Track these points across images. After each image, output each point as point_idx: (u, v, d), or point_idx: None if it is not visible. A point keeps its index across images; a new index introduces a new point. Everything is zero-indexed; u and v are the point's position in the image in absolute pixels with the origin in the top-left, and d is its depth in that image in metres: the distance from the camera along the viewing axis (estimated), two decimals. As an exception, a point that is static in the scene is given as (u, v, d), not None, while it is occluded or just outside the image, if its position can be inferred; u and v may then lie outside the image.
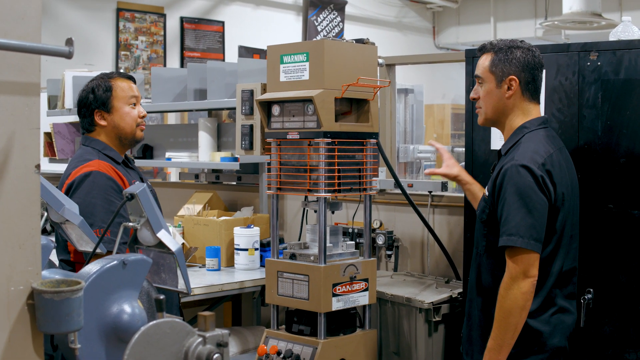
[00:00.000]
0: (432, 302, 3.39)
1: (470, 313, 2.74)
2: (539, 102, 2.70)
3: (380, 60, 3.44)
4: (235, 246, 3.94)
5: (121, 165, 2.98)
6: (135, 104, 3.02)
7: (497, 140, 3.16)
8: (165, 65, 9.04)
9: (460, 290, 3.49)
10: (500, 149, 2.71)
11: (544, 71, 2.71)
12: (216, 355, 1.55)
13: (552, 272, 2.56)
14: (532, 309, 2.52)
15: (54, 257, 2.84)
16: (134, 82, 3.08)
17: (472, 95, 2.74)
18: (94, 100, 2.97)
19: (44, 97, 5.38)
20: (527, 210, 2.46)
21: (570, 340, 2.67)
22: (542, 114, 3.03)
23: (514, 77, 2.61)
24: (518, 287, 2.44)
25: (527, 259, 2.45)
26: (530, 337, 2.54)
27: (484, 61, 2.67)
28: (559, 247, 2.57)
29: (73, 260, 2.85)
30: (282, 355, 3.19)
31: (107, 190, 2.81)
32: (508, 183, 2.50)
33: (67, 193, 2.81)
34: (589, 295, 2.91)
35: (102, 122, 2.98)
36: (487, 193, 2.65)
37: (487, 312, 2.63)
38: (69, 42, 1.48)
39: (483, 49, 2.71)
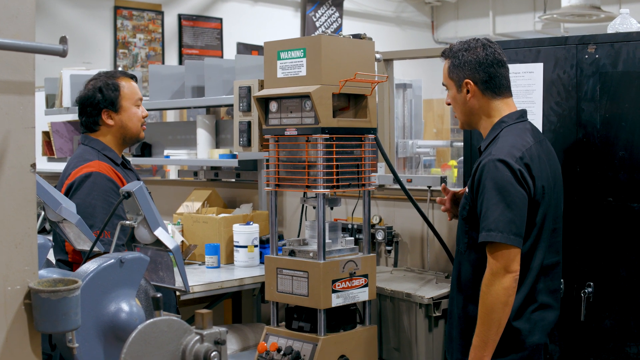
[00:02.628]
0: (432, 298, 3.38)
1: (452, 311, 2.72)
2: (509, 95, 2.64)
3: (377, 55, 3.43)
4: (235, 243, 3.94)
5: (120, 167, 2.97)
6: (139, 105, 3.03)
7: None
8: (163, 63, 9.03)
9: (460, 285, 3.49)
10: (480, 146, 2.67)
11: (507, 65, 2.64)
12: (214, 353, 1.55)
13: (533, 267, 2.52)
14: (514, 306, 2.47)
15: (51, 256, 2.83)
16: (136, 81, 3.08)
17: (446, 101, 2.73)
18: (103, 99, 2.96)
19: (42, 96, 5.37)
20: (506, 204, 2.42)
21: (571, 335, 2.66)
22: (541, 107, 3.03)
23: (468, 80, 2.59)
24: (500, 283, 2.41)
25: (507, 255, 2.41)
26: (509, 335, 2.49)
27: (444, 68, 2.67)
28: (539, 242, 2.52)
29: (71, 261, 2.84)
30: (282, 352, 3.18)
31: (107, 192, 2.80)
32: (486, 178, 2.46)
33: (67, 193, 2.80)
34: (589, 289, 2.91)
35: (110, 122, 2.97)
36: (467, 190, 2.62)
37: (466, 310, 2.61)
38: (63, 40, 1.48)
39: (443, 55, 2.70)
